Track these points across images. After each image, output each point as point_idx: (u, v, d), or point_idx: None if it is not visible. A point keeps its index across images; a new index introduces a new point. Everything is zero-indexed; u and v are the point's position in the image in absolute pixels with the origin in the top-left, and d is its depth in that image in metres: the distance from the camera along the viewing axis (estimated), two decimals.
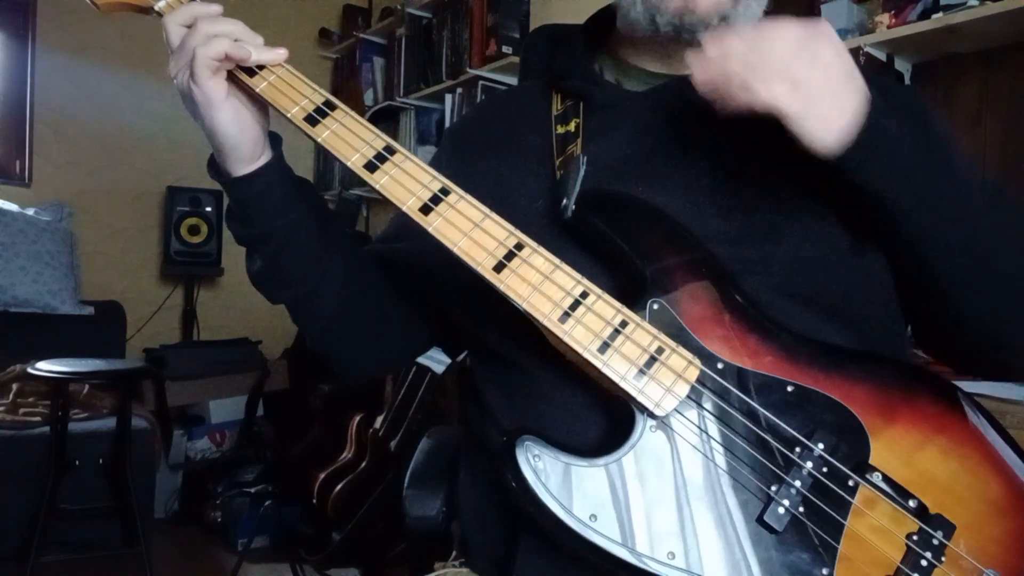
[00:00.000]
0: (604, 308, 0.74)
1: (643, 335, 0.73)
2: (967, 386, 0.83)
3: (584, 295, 0.74)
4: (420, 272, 0.96)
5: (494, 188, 0.88)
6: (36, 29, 3.64)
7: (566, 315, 0.74)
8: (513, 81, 2.52)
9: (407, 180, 0.79)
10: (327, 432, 3.20)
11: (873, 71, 1.75)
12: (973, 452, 0.74)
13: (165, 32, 0.82)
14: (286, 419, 3.62)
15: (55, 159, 3.71)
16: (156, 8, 0.87)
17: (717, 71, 0.70)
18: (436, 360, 2.77)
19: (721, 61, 0.70)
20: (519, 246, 0.76)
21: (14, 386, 3.05)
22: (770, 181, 0.81)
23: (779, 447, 0.72)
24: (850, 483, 0.71)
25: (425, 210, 0.78)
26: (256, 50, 0.81)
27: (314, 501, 2.89)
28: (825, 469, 0.71)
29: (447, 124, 3.36)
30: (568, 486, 0.70)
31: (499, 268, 0.75)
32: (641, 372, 0.72)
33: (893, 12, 1.86)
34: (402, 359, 1.15)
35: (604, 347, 0.73)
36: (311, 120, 0.82)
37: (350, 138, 0.81)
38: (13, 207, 3.38)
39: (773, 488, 0.71)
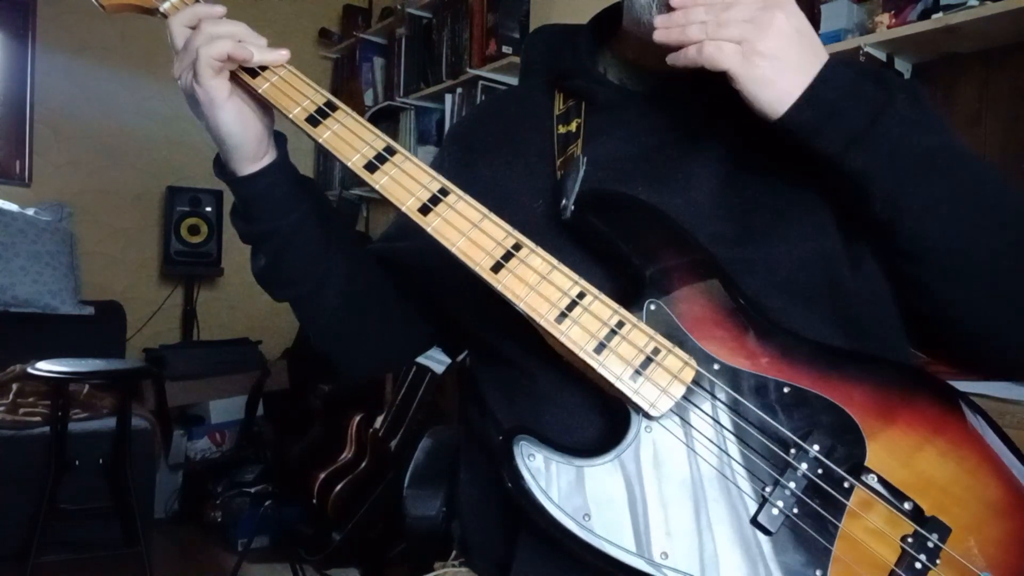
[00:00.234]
0: (601, 309, 0.74)
1: (639, 336, 0.73)
2: (965, 386, 0.83)
3: (581, 296, 0.75)
4: (421, 271, 0.96)
5: (495, 188, 0.88)
6: (36, 29, 3.65)
7: (563, 315, 0.74)
8: (513, 81, 2.53)
9: (407, 180, 0.80)
10: (327, 432, 3.20)
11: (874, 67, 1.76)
12: (970, 454, 0.74)
13: (169, 33, 0.84)
14: (286, 419, 3.62)
15: (55, 159, 3.72)
16: (161, 9, 0.88)
17: (677, 32, 0.73)
18: (436, 360, 2.77)
19: (683, 23, 0.73)
20: (517, 246, 0.76)
21: (14, 386, 3.06)
22: (771, 182, 0.81)
23: (774, 448, 0.72)
24: (845, 485, 0.71)
25: (424, 210, 0.78)
26: (258, 51, 0.82)
27: (314, 501, 2.89)
28: (820, 471, 0.71)
29: (447, 124, 3.36)
30: (564, 486, 0.71)
31: (497, 268, 0.76)
32: (637, 373, 0.72)
33: (893, 12, 1.86)
34: (403, 358, 1.16)
35: (600, 348, 0.73)
36: (312, 121, 0.83)
37: (351, 139, 0.82)
38: (13, 207, 3.39)
39: (768, 489, 0.71)
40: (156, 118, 3.84)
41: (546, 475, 0.71)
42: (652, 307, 0.75)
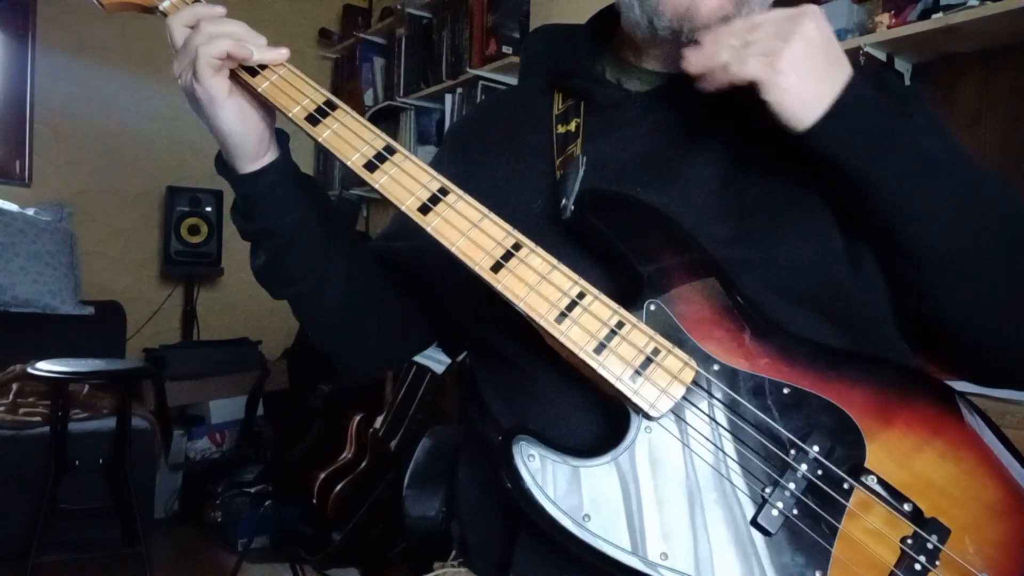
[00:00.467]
0: (601, 309, 0.74)
1: (639, 336, 0.73)
2: (965, 386, 0.83)
3: (581, 296, 0.74)
4: (420, 271, 0.96)
5: (494, 188, 0.88)
6: (36, 29, 3.65)
7: (563, 315, 0.74)
8: (513, 81, 2.52)
9: (406, 180, 0.80)
10: (327, 432, 3.20)
11: (874, 68, 1.75)
12: (970, 455, 0.74)
13: (169, 32, 0.84)
14: (286, 419, 3.62)
15: (55, 159, 3.72)
16: (160, 8, 0.88)
17: (707, 60, 0.73)
18: (436, 360, 2.77)
19: (712, 50, 0.73)
20: (517, 246, 0.76)
21: (14, 386, 3.06)
22: (770, 183, 0.81)
23: (774, 449, 0.72)
24: (845, 486, 0.71)
25: (424, 210, 0.78)
26: (258, 50, 0.82)
27: (314, 501, 2.89)
28: (820, 472, 0.71)
29: (447, 124, 3.36)
30: (563, 486, 0.71)
31: (496, 268, 0.76)
32: (637, 373, 0.72)
33: (893, 12, 1.86)
34: (402, 356, 1.16)
35: (600, 348, 0.73)
36: (312, 120, 0.83)
37: (350, 138, 0.82)
38: (13, 207, 3.39)
39: (767, 490, 0.71)
40: (156, 118, 3.84)
41: (545, 475, 0.71)
42: (652, 307, 0.75)
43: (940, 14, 1.74)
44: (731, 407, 0.73)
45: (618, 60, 0.94)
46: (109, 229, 3.84)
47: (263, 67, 0.83)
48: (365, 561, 2.80)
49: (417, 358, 2.75)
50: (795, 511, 0.70)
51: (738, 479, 0.71)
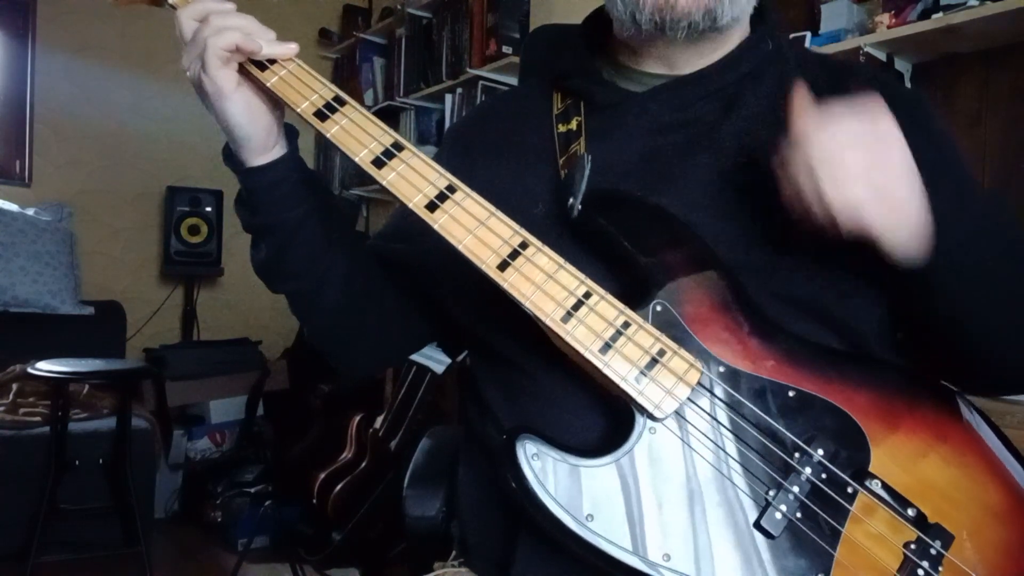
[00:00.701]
0: (607, 309, 0.74)
1: (645, 336, 0.73)
2: None
3: (587, 295, 0.74)
4: (420, 271, 0.96)
5: (495, 188, 0.87)
6: (36, 29, 3.64)
7: (568, 315, 0.74)
8: (513, 81, 2.52)
9: (414, 177, 0.80)
10: (327, 432, 3.20)
11: (874, 70, 1.76)
12: (974, 460, 0.74)
13: (178, 25, 0.83)
14: (286, 419, 3.62)
15: (55, 159, 3.71)
16: (170, 1, 0.88)
17: (794, 187, 0.70)
18: (436, 360, 2.77)
19: (796, 174, 0.69)
20: (524, 245, 0.76)
21: (14, 386, 3.05)
22: (773, 186, 0.81)
23: (778, 452, 0.72)
24: (849, 490, 0.71)
25: (431, 207, 0.78)
26: (267, 44, 0.82)
27: (314, 501, 2.89)
28: (824, 475, 0.71)
29: (447, 124, 3.35)
30: (566, 486, 0.71)
31: (503, 267, 0.75)
32: (642, 374, 0.72)
33: (893, 12, 1.86)
34: (400, 355, 1.16)
35: (606, 348, 0.73)
36: (321, 115, 0.82)
37: (359, 134, 0.82)
38: (13, 207, 3.38)
39: (771, 493, 0.71)
40: (156, 118, 3.84)
41: (548, 474, 0.71)
42: (658, 308, 0.75)
43: (940, 14, 1.75)
44: (736, 409, 0.73)
45: (613, 62, 0.94)
46: (109, 229, 3.84)
47: (272, 62, 0.83)
48: (365, 561, 2.80)
49: (417, 358, 2.75)
50: (798, 514, 0.70)
51: (741, 481, 0.71)
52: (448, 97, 3.29)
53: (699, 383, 0.73)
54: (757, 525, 0.70)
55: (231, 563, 2.90)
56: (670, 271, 0.76)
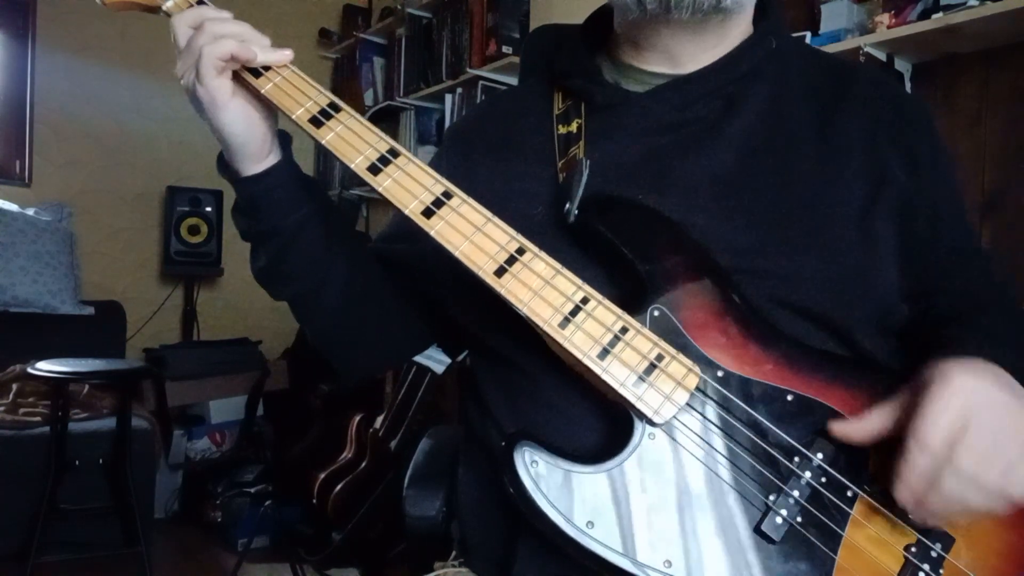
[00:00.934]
0: (605, 314, 0.74)
1: (643, 342, 0.73)
2: None
3: (585, 300, 0.74)
4: (421, 273, 0.96)
5: (495, 189, 0.87)
6: (36, 29, 3.64)
7: (566, 320, 0.74)
8: (513, 81, 2.52)
9: (410, 183, 0.79)
10: (327, 432, 3.20)
11: (878, 71, 1.75)
12: None
13: (173, 32, 0.83)
14: (286, 419, 3.62)
15: (55, 159, 3.71)
16: (164, 8, 0.87)
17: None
18: (436, 360, 2.77)
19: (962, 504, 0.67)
20: (520, 251, 0.76)
21: (14, 386, 3.05)
22: (776, 191, 0.81)
23: (778, 456, 0.72)
24: (849, 494, 0.71)
25: (427, 213, 0.78)
26: (262, 51, 0.82)
27: (314, 501, 2.89)
28: (824, 479, 0.71)
29: (447, 124, 3.35)
30: (566, 492, 0.70)
31: (500, 273, 0.75)
32: (640, 379, 0.72)
33: (893, 12, 1.85)
34: (402, 357, 1.15)
35: (604, 353, 0.73)
36: (315, 122, 0.82)
37: (354, 140, 0.81)
38: (13, 207, 3.38)
39: (771, 497, 0.71)
40: (156, 118, 3.84)
41: (548, 481, 0.71)
42: (656, 313, 0.75)
43: (940, 14, 1.74)
44: (734, 413, 0.73)
45: (615, 61, 0.93)
46: (109, 229, 3.84)
47: (266, 68, 0.83)
48: (365, 561, 2.80)
49: (417, 358, 2.75)
50: (799, 518, 0.70)
51: (742, 486, 0.71)
52: (448, 97, 3.29)
53: (698, 388, 0.72)
54: (758, 530, 0.70)
55: (231, 563, 2.90)
56: (668, 276, 0.76)
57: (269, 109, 0.85)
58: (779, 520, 0.70)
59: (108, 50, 3.77)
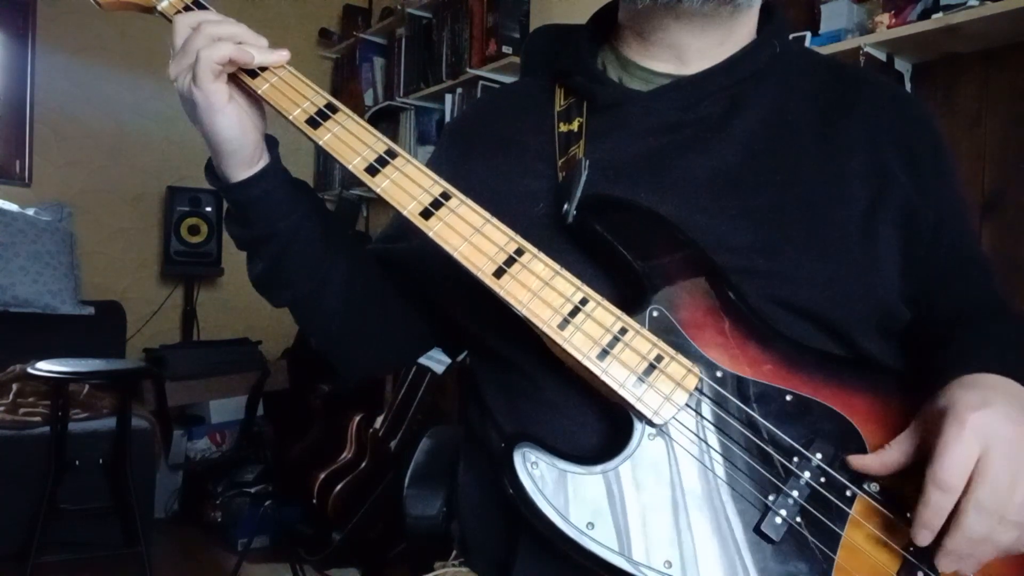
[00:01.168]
0: (604, 315, 0.74)
1: (642, 342, 0.73)
2: None
3: (584, 301, 0.74)
4: (421, 273, 0.96)
5: (494, 187, 0.87)
6: (36, 29, 3.64)
7: (566, 321, 0.73)
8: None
9: (408, 184, 0.79)
10: (327, 432, 3.20)
11: (875, 70, 1.75)
12: None
13: (171, 34, 0.82)
14: (286, 419, 3.62)
15: (55, 159, 3.71)
16: (158, 8, 0.87)
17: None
18: (436, 360, 2.77)
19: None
20: (519, 251, 0.76)
21: (14, 386, 3.05)
22: (779, 191, 0.81)
23: (777, 456, 0.72)
24: (848, 493, 0.71)
25: (426, 214, 0.78)
26: (259, 53, 0.81)
27: (314, 501, 2.89)
28: (823, 479, 0.71)
29: None
30: (565, 493, 0.70)
31: (499, 274, 0.75)
32: (640, 380, 0.72)
33: (893, 12, 1.85)
34: (404, 358, 1.15)
35: (603, 354, 0.73)
36: (312, 123, 0.81)
37: (351, 141, 0.81)
38: (13, 207, 3.38)
39: (771, 498, 0.71)
40: (156, 118, 3.84)
41: (547, 483, 0.70)
42: (655, 313, 0.75)
43: (940, 14, 1.74)
44: (734, 414, 0.72)
45: (619, 59, 0.93)
46: (109, 229, 3.84)
47: (263, 69, 0.82)
48: (365, 561, 2.80)
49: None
50: (798, 518, 0.70)
51: (741, 486, 0.71)
52: (448, 97, 3.29)
53: (697, 388, 0.72)
54: (757, 530, 0.70)
55: (231, 563, 2.90)
56: (666, 276, 0.76)
57: (260, 112, 0.84)
58: (778, 520, 0.70)
59: (108, 50, 3.77)
